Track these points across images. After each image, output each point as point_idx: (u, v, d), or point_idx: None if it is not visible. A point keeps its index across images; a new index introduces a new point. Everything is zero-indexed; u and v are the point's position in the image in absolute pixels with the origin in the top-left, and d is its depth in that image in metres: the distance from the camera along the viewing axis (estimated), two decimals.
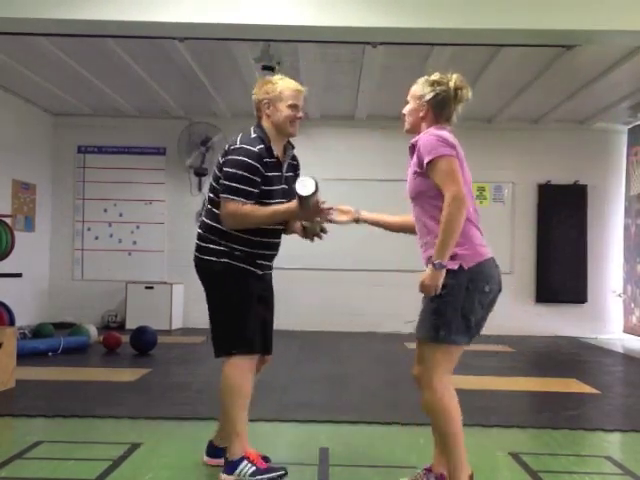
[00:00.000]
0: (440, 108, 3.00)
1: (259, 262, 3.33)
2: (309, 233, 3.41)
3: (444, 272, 2.79)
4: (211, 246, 3.27)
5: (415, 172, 2.96)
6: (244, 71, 8.00)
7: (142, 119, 10.58)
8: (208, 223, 3.32)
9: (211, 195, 3.33)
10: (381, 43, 6.57)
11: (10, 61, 7.85)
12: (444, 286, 2.81)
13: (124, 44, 7.20)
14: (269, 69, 7.03)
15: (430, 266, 2.79)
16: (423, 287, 2.81)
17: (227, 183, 3.19)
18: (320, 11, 5.42)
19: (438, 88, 3.00)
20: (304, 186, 3.10)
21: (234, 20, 5.46)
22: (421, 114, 3.03)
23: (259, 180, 3.20)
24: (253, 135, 3.29)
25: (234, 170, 3.18)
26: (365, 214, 3.44)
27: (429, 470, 3.07)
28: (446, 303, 2.81)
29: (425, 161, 2.86)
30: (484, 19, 5.43)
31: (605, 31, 5.50)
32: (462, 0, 5.45)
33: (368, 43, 6.63)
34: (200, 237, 3.34)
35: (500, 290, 2.96)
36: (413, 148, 3.00)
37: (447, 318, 2.81)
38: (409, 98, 3.10)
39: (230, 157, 3.22)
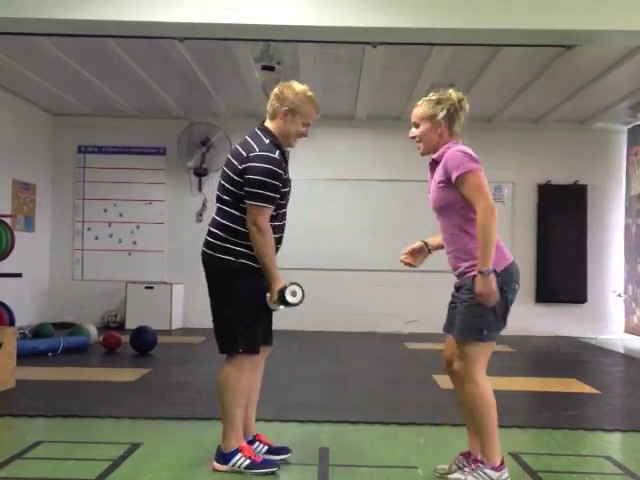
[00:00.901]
0: (452, 122, 3.24)
1: None
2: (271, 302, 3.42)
3: (494, 276, 3.01)
4: (229, 246, 3.33)
5: (441, 185, 3.16)
6: (244, 71, 8.00)
7: (142, 119, 10.58)
8: (224, 223, 3.37)
9: (224, 197, 3.39)
10: (381, 43, 6.57)
11: (10, 61, 7.85)
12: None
13: (124, 44, 7.20)
14: (269, 69, 7.04)
15: (479, 275, 3.01)
16: (483, 296, 3.02)
17: (254, 190, 3.27)
18: (320, 11, 5.42)
19: (446, 104, 3.21)
20: (293, 294, 3.28)
21: (234, 20, 5.45)
22: (439, 132, 3.22)
23: (281, 185, 3.33)
24: (266, 141, 3.36)
25: (259, 177, 3.26)
26: (431, 242, 3.51)
27: (467, 455, 3.28)
28: (486, 305, 3.05)
29: (454, 176, 3.08)
30: (484, 19, 5.42)
31: (605, 31, 5.50)
32: (462, 0, 5.45)
33: (368, 43, 6.63)
34: (214, 236, 3.39)
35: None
36: (435, 163, 3.23)
37: (488, 319, 3.08)
38: (417, 121, 3.27)
39: (253, 164, 3.28)
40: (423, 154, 3.32)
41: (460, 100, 3.24)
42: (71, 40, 6.79)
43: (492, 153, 10.14)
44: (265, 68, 7.04)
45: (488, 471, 3.11)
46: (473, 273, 3.08)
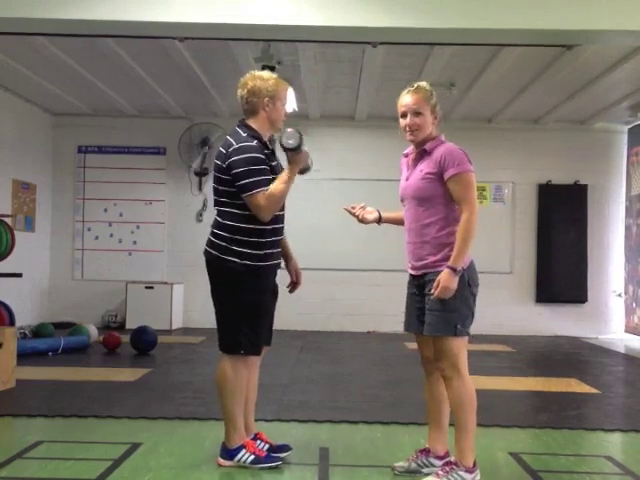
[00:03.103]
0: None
1: (273, 252, 3.44)
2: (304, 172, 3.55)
3: (457, 278, 3.08)
4: (233, 247, 3.36)
5: (429, 176, 3.18)
6: (244, 71, 7.86)
7: (142, 119, 10.58)
8: (225, 222, 3.40)
9: (220, 199, 3.43)
10: (381, 43, 6.57)
11: (10, 61, 7.85)
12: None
13: (124, 44, 7.20)
14: (269, 69, 7.03)
15: (449, 270, 3.05)
16: (444, 290, 3.04)
17: (244, 182, 3.32)
18: (320, 11, 5.41)
19: (435, 96, 3.27)
20: (288, 138, 3.33)
21: (234, 20, 5.45)
22: (434, 123, 3.26)
23: (267, 168, 3.38)
24: (244, 134, 3.42)
25: (243, 168, 3.32)
26: (386, 214, 3.62)
27: (426, 452, 3.33)
28: (458, 299, 3.10)
29: (451, 172, 3.10)
30: (484, 19, 5.42)
31: (605, 31, 5.50)
32: (462, 0, 5.45)
33: (368, 43, 6.62)
34: (218, 236, 3.41)
35: None
36: (424, 153, 3.23)
37: (461, 313, 3.11)
38: (419, 108, 3.24)
39: (233, 159, 3.34)
40: (415, 142, 3.29)
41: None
42: (71, 40, 6.78)
43: (492, 153, 10.16)
44: (265, 68, 7.03)
45: (462, 473, 3.10)
46: (442, 268, 3.10)
